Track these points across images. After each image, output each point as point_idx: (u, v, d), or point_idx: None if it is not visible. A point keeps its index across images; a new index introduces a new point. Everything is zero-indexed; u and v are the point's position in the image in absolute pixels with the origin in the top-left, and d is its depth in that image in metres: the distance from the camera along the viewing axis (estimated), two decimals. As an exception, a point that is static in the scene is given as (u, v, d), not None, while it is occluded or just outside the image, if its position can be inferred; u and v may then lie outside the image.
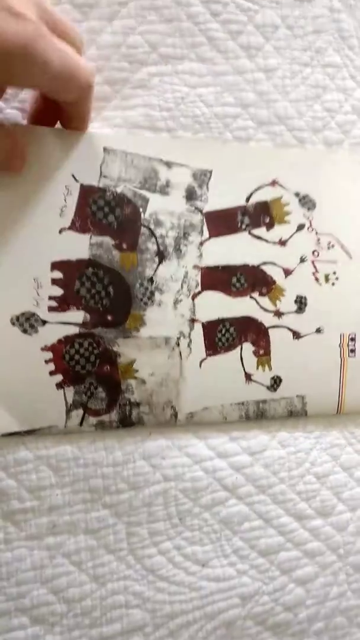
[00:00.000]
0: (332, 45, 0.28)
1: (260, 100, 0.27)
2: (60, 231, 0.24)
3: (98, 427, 0.24)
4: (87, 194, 0.25)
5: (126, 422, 0.25)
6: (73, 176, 0.25)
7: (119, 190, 0.25)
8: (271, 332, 0.27)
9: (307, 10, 0.28)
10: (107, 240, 0.25)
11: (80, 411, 0.24)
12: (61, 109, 0.23)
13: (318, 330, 0.28)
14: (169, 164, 0.26)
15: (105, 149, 0.25)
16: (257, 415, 0.27)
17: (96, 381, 0.25)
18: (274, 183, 0.27)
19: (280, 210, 0.28)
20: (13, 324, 0.23)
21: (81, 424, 0.24)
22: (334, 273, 0.28)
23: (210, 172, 0.26)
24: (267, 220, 0.27)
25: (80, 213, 0.25)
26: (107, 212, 0.25)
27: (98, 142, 0.25)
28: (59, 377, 0.24)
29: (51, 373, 0.24)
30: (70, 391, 0.24)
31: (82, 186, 0.25)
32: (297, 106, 0.28)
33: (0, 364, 0.23)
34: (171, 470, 0.25)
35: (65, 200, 0.24)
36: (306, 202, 0.28)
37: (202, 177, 0.26)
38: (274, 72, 0.27)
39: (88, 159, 0.25)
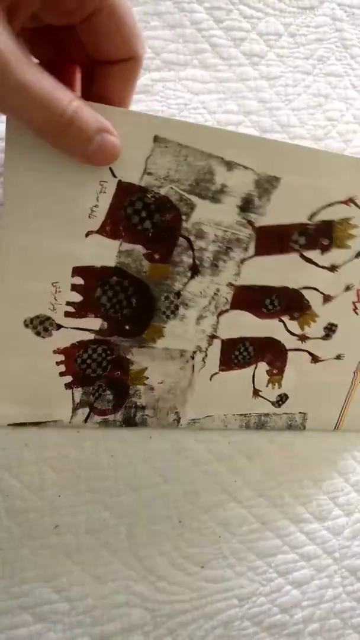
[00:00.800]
0: (335, 54, 0.31)
1: (263, 108, 0.30)
2: (87, 235, 0.23)
3: (102, 425, 0.27)
4: (125, 194, 0.23)
5: (130, 423, 0.27)
6: (111, 170, 0.23)
7: (162, 192, 0.23)
8: (290, 354, 0.28)
9: (310, 19, 0.31)
10: (139, 249, 0.24)
11: (86, 409, 0.27)
12: (99, 73, 0.21)
13: (338, 357, 0.29)
14: (230, 165, 0.24)
15: (156, 139, 0.23)
16: (257, 427, 0.30)
17: (105, 384, 0.27)
18: (349, 201, 0.26)
19: (344, 233, 0.27)
20: (26, 326, 0.24)
21: (86, 421, 0.27)
22: None
23: (279, 180, 0.24)
24: (326, 242, 0.26)
25: (112, 216, 0.23)
26: (143, 218, 0.24)
27: (148, 128, 0.22)
28: (68, 378, 0.26)
29: (61, 374, 0.26)
30: (78, 391, 0.26)
31: (120, 184, 0.23)
32: (299, 114, 0.31)
33: (12, 360, 0.25)
34: (171, 472, 0.28)
35: (97, 199, 0.23)
36: None
37: (267, 185, 0.24)
38: (277, 80, 0.30)
39: (133, 150, 0.22)
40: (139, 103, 0.28)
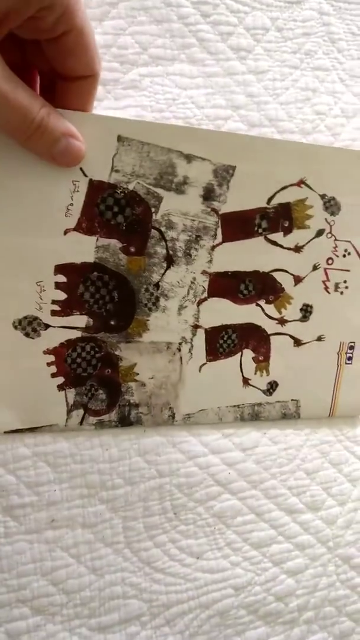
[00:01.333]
0: (322, 48, 0.32)
1: (251, 102, 0.31)
2: (65, 232, 0.26)
3: (97, 426, 0.28)
4: (96, 191, 0.25)
5: (125, 422, 0.29)
6: (81, 170, 0.25)
7: (130, 187, 0.26)
8: (272, 338, 0.30)
9: (297, 13, 0.32)
10: (114, 243, 0.26)
11: (81, 411, 0.28)
12: (62, 83, 0.24)
13: (319, 338, 0.31)
14: (189, 158, 0.26)
15: (120, 138, 0.25)
16: (251, 417, 0.31)
17: (97, 383, 0.28)
18: (300, 183, 0.28)
19: (302, 214, 0.29)
20: (15, 327, 0.26)
21: (81, 423, 0.28)
22: (345, 282, 0.31)
23: (234, 168, 0.27)
24: (286, 224, 0.29)
25: (87, 213, 0.25)
26: (116, 212, 0.26)
27: (112, 129, 0.25)
28: (60, 379, 0.27)
29: (53, 375, 0.27)
30: (71, 392, 0.27)
31: (91, 182, 0.25)
32: (288, 109, 0.32)
33: (3, 364, 0.26)
34: (166, 466, 0.30)
35: (72, 198, 0.25)
36: (331, 205, 0.29)
37: (224, 173, 0.27)
38: (265, 74, 0.31)
39: (99, 150, 0.25)
40: (128, 98, 0.29)
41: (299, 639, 0.32)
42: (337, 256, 0.31)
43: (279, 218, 0.29)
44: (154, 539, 0.30)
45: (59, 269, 0.26)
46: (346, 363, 0.32)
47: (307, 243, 0.30)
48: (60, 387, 0.27)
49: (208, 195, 0.27)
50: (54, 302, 0.26)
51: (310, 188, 0.29)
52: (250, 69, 0.31)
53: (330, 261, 0.31)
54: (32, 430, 0.27)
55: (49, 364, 0.27)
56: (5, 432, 0.27)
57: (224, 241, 0.28)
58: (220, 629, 0.31)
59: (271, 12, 0.31)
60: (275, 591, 0.31)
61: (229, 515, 0.31)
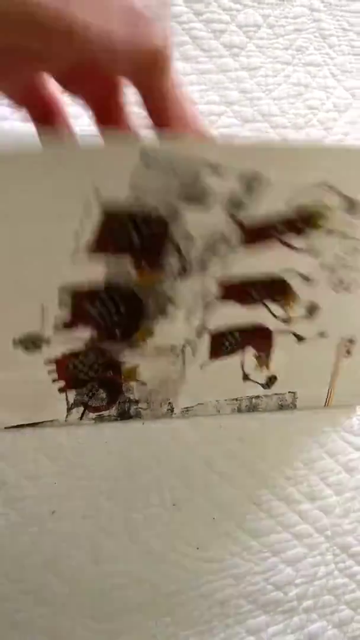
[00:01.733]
0: (313, 43, 0.33)
1: (244, 98, 0.32)
2: (74, 251, 0.24)
3: (97, 421, 0.29)
4: (111, 212, 0.23)
5: (125, 416, 0.29)
6: (94, 184, 0.23)
7: (148, 202, 0.24)
8: (276, 336, 0.30)
9: (288, 10, 0.32)
10: (126, 260, 0.25)
11: (81, 408, 0.28)
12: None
13: (321, 335, 0.31)
14: (213, 167, 0.24)
15: (140, 154, 0.23)
16: (249, 409, 0.31)
17: (98, 384, 0.28)
18: (321, 185, 0.27)
19: (319, 215, 0.28)
20: (16, 345, 0.25)
21: (81, 418, 0.28)
22: (354, 281, 0.30)
23: (258, 175, 0.25)
24: (302, 225, 0.28)
25: (99, 230, 0.24)
26: (130, 229, 0.24)
27: (132, 145, 0.23)
28: (61, 383, 0.27)
29: (54, 380, 0.27)
30: (72, 392, 0.28)
31: (102, 200, 0.23)
32: (280, 104, 0.32)
33: (3, 374, 0.26)
34: (165, 457, 0.30)
35: (84, 214, 0.23)
36: (351, 207, 0.28)
37: (248, 182, 0.25)
38: (257, 70, 0.32)
39: (116, 165, 0.22)
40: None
41: (299, 627, 0.32)
42: (349, 255, 0.30)
43: (296, 221, 0.28)
44: (154, 530, 0.30)
45: (66, 289, 0.25)
46: (344, 356, 0.32)
47: (320, 244, 0.29)
48: (62, 390, 0.28)
49: (230, 204, 0.26)
50: (57, 318, 0.26)
51: (332, 189, 0.28)
52: (243, 65, 0.32)
53: (340, 260, 0.30)
54: (32, 424, 0.28)
55: (50, 372, 0.27)
56: (6, 428, 0.27)
57: (241, 247, 0.27)
58: (220, 619, 0.31)
59: (263, 9, 0.32)
60: (274, 580, 0.32)
61: (227, 506, 0.31)
